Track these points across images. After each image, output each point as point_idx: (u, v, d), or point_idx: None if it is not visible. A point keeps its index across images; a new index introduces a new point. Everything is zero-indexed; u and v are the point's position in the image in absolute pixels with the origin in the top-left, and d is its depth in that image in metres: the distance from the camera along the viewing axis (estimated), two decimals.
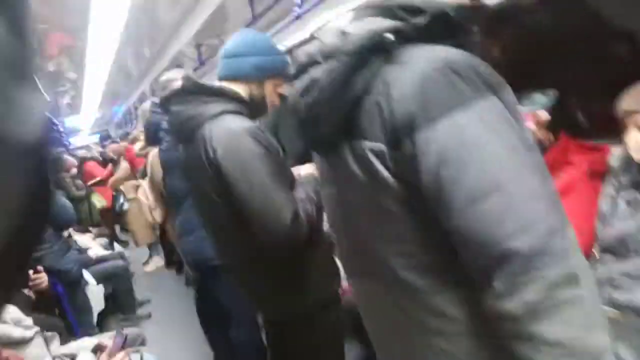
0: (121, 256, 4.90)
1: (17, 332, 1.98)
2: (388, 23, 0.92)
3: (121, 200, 5.98)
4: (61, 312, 2.88)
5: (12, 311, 2.10)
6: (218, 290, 2.64)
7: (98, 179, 7.19)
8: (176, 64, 5.42)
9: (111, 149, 6.90)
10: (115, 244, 6.65)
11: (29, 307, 2.37)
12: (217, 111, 1.61)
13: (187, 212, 2.53)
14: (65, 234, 3.25)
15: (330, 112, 0.93)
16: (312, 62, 0.95)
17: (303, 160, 1.78)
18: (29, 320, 2.12)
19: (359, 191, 0.96)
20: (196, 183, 1.75)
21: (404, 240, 0.92)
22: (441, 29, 0.91)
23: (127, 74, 6.44)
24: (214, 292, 2.69)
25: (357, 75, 0.89)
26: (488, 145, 0.79)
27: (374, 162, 0.88)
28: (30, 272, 2.60)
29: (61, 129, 8.62)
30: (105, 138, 9.24)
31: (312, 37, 3.34)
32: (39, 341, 2.11)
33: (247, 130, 1.55)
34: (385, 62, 0.89)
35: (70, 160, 7.43)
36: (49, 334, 2.23)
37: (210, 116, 1.60)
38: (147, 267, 6.34)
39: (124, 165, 5.96)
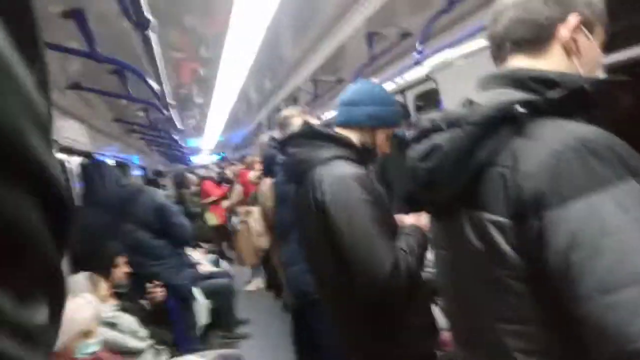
0: (227, 275, 5.16)
1: (132, 343, 2.15)
2: (519, 95, 0.89)
3: (234, 220, 6.31)
4: (171, 325, 3.08)
5: (131, 321, 2.29)
6: (315, 323, 2.66)
7: (213, 198, 7.69)
8: (293, 96, 5.68)
9: (232, 170, 7.36)
10: (222, 261, 7.01)
11: (145, 318, 2.57)
12: (328, 156, 1.66)
13: (293, 244, 2.59)
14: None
15: (451, 179, 0.91)
16: (435, 128, 0.95)
17: (409, 204, 1.76)
18: (143, 332, 2.30)
19: (475, 261, 0.93)
20: (303, 221, 1.81)
21: (524, 321, 0.87)
22: (575, 103, 0.87)
23: (248, 102, 6.84)
24: (311, 324, 2.71)
25: (483, 146, 0.87)
26: (626, 232, 0.72)
27: (494, 235, 0.86)
28: (150, 285, 2.84)
29: (184, 149, 9.39)
30: (223, 159, 9.92)
31: (427, 78, 3.32)
32: (150, 353, 2.27)
33: (355, 177, 1.58)
34: (514, 135, 0.86)
35: (192, 178, 8.07)
36: (160, 347, 2.38)
37: (322, 160, 1.66)
38: (249, 286, 6.59)
39: (238, 190, 6.31)
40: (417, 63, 2.67)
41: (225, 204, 6.84)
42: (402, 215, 1.89)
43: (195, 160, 14.00)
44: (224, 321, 4.73)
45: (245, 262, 6.29)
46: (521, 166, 0.82)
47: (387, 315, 1.65)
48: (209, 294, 4.34)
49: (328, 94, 4.92)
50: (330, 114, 5.38)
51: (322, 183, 1.60)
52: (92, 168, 3.09)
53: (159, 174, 8.96)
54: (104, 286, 2.32)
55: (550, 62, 0.95)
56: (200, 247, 6.15)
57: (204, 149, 13.71)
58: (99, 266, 2.51)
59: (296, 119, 2.72)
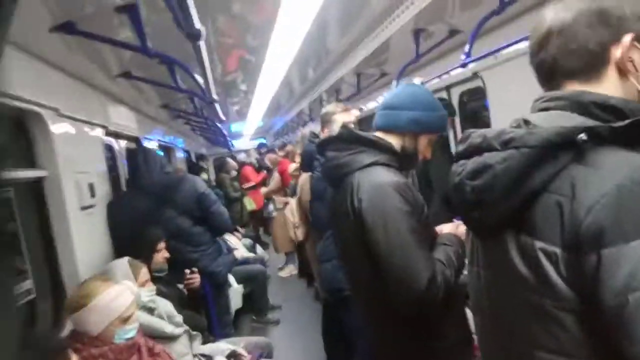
0: (262, 261, 5.25)
1: (169, 329, 2.22)
2: (580, 120, 0.85)
3: (270, 208, 6.38)
4: (205, 310, 3.17)
5: (168, 307, 2.37)
6: (347, 318, 2.67)
7: (252, 184, 7.80)
8: (335, 88, 5.66)
9: (269, 158, 7.43)
10: (258, 246, 7.13)
11: (181, 304, 2.66)
12: (367, 162, 1.62)
13: (328, 240, 2.60)
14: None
15: (501, 201, 0.88)
16: (488, 147, 0.91)
17: (448, 207, 1.71)
18: (179, 317, 2.36)
19: (519, 286, 0.89)
20: (339, 225, 1.78)
21: (567, 353, 0.84)
22: (639, 133, 0.82)
23: (291, 91, 6.87)
24: (342, 319, 2.73)
25: (539, 170, 0.83)
26: None
27: (544, 263, 0.82)
28: (188, 271, 2.92)
29: (226, 133, 9.53)
30: (262, 145, 10.00)
31: (474, 75, 3.22)
32: (184, 339, 2.34)
33: (394, 184, 1.54)
34: (573, 161, 0.82)
35: (232, 163, 8.20)
36: (194, 333, 2.46)
37: (360, 166, 1.62)
38: (282, 272, 6.69)
39: (276, 178, 6.36)
40: (464, 65, 2.59)
41: (263, 190, 6.92)
42: (441, 227, 1.84)
43: (237, 144, 14.19)
44: (257, 306, 4.83)
45: (279, 249, 6.39)
46: (580, 197, 0.78)
47: (422, 325, 1.62)
48: (243, 279, 4.43)
49: (371, 86, 4.87)
50: (372, 106, 5.33)
51: (360, 190, 1.57)
52: (138, 154, 3.17)
53: (201, 157, 9.13)
54: (144, 271, 2.40)
55: (607, 86, 0.90)
56: (238, 231, 6.25)
57: (246, 134, 13.88)
58: (142, 250, 2.59)
59: (339, 116, 2.71)
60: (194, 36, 1.55)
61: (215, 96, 3.08)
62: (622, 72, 0.89)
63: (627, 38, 0.88)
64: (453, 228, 1.74)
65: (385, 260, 1.50)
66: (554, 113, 0.90)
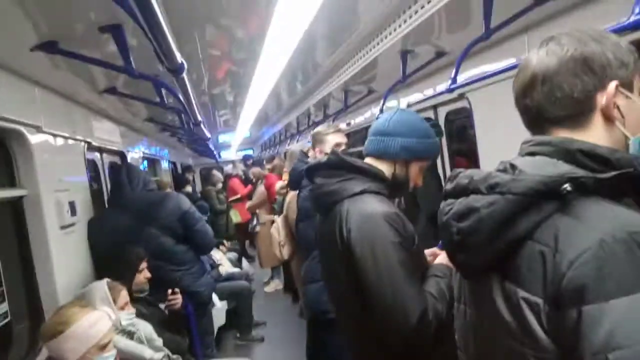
0: (247, 277, 5.20)
1: (147, 353, 2.17)
2: (566, 168, 0.84)
3: (255, 222, 6.34)
4: (187, 331, 3.11)
5: (148, 329, 2.32)
6: (330, 342, 2.65)
7: (238, 196, 7.75)
8: (323, 102, 5.67)
9: (253, 172, 7.40)
10: (243, 260, 7.06)
11: (162, 324, 2.61)
12: (357, 190, 1.59)
13: (314, 261, 2.58)
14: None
15: (486, 246, 0.87)
16: (473, 189, 0.90)
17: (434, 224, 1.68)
18: (159, 341, 2.32)
19: (502, 331, 0.89)
20: (326, 252, 1.75)
21: None
22: (626, 184, 0.82)
23: (279, 104, 6.87)
24: (325, 342, 2.70)
25: (523, 218, 0.83)
26: None
27: (526, 313, 0.82)
28: (170, 291, 2.87)
29: (213, 145, 9.48)
30: (249, 157, 9.96)
31: (460, 96, 3.25)
32: None
33: (384, 215, 1.50)
34: (557, 211, 0.81)
35: (218, 175, 8.15)
36: (174, 357, 2.41)
37: (350, 194, 1.59)
38: (267, 287, 6.63)
39: (260, 191, 6.31)
40: (451, 90, 2.61)
41: (248, 204, 6.86)
42: (432, 251, 1.81)
43: (225, 155, 14.12)
44: (241, 323, 4.77)
45: (264, 264, 6.34)
46: (563, 249, 0.78)
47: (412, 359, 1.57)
48: (227, 295, 4.38)
49: (358, 102, 4.89)
50: (359, 121, 5.34)
51: (349, 219, 1.53)
52: (121, 169, 3.13)
53: (188, 169, 9.07)
54: (124, 294, 2.35)
55: (594, 133, 0.89)
56: (223, 244, 6.19)
57: (233, 145, 13.84)
58: (123, 270, 2.54)
59: (331, 137, 2.70)
60: (176, 71, 1.53)
61: (200, 117, 3.05)
62: (609, 119, 0.89)
63: (612, 85, 0.88)
64: (444, 258, 1.68)
65: (375, 295, 1.46)
66: (539, 159, 0.90)
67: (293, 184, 3.11)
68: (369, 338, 1.61)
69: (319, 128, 2.81)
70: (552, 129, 0.93)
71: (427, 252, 1.76)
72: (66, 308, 1.87)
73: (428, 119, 3.29)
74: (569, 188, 0.80)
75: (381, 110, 3.81)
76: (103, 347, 1.77)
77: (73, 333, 1.71)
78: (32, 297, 2.26)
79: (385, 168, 1.68)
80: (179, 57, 1.47)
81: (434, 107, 3.70)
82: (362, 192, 1.59)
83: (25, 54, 1.99)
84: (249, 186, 7.77)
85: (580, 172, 0.83)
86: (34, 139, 2.27)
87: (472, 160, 3.41)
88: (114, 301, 2.26)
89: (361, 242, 1.49)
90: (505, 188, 0.85)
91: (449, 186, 1.00)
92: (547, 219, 0.81)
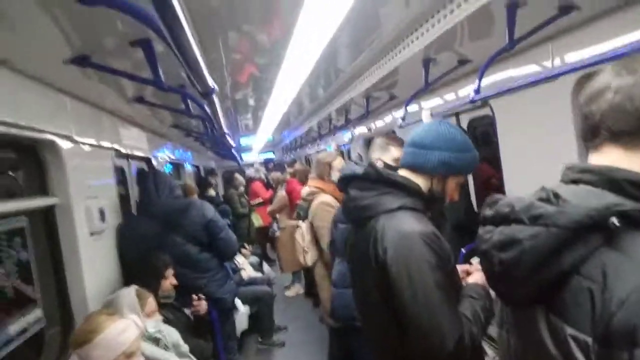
0: (268, 281, 5.24)
1: None
2: (612, 199, 0.81)
3: (274, 227, 6.38)
4: (211, 336, 3.16)
5: (174, 335, 2.37)
6: (355, 349, 2.65)
7: (260, 200, 7.82)
8: (345, 108, 5.70)
9: (273, 177, 7.45)
10: (264, 264, 7.11)
11: (188, 330, 2.66)
12: (394, 206, 1.55)
13: (346, 269, 2.56)
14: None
15: (529, 278, 0.85)
16: (515, 219, 0.88)
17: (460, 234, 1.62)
18: (185, 347, 2.37)
19: None
20: (357, 266, 1.72)
21: None
22: None
23: (301, 108, 6.91)
24: (351, 348, 2.70)
25: (568, 251, 0.80)
26: None
27: (574, 351, 0.79)
28: (194, 297, 2.93)
29: (235, 148, 9.58)
30: (270, 161, 10.02)
31: (483, 104, 3.23)
32: None
33: (421, 234, 1.46)
34: (605, 245, 0.79)
35: (240, 178, 8.23)
36: None
37: (386, 209, 1.55)
38: (289, 291, 6.67)
39: (281, 195, 6.35)
40: (474, 101, 2.60)
41: (269, 208, 6.90)
42: (465, 268, 1.78)
43: (246, 157, 14.23)
44: (262, 328, 4.81)
45: (285, 269, 6.37)
46: (612, 287, 0.75)
47: None
48: (249, 300, 4.43)
49: (380, 108, 4.90)
50: (380, 125, 5.34)
51: (385, 238, 1.49)
52: (148, 176, 3.20)
53: (211, 172, 9.18)
54: (151, 301, 2.41)
55: None
56: (245, 248, 6.24)
57: (255, 148, 13.94)
58: (149, 277, 2.60)
59: (395, 150, 2.62)
60: (207, 94, 1.56)
61: (225, 128, 3.10)
62: None
63: None
64: (479, 277, 1.64)
65: (410, 316, 1.43)
66: (583, 189, 0.87)
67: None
68: (400, 358, 1.58)
69: (384, 137, 2.75)
70: (607, 142, 0.89)
71: (459, 268, 1.72)
72: (95, 316, 1.93)
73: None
74: (617, 222, 0.77)
75: (403, 118, 3.81)
76: (130, 355, 1.82)
77: (101, 341, 1.77)
78: (63, 302, 2.33)
79: (421, 182, 1.63)
80: (210, 82, 1.51)
81: (456, 115, 3.69)
82: (399, 209, 1.55)
83: (59, 67, 2.06)
84: (271, 190, 7.83)
85: (628, 204, 0.80)
86: (65, 147, 2.34)
87: (494, 166, 3.39)
88: (142, 308, 2.32)
89: (397, 262, 1.46)
90: (550, 220, 0.83)
91: (487, 212, 0.98)
92: (593, 252, 0.79)
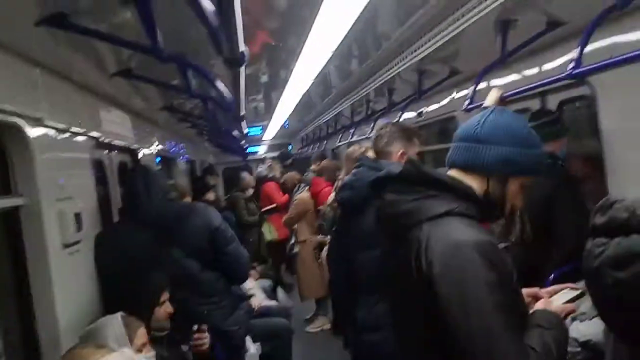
0: (286, 313, 5.24)
1: None
2: None
3: (292, 241, 6.38)
4: None
5: None
6: None
7: (273, 205, 7.80)
8: (388, 87, 5.69)
9: (287, 177, 7.42)
10: (279, 289, 7.13)
11: None
12: (440, 211, 1.58)
13: (379, 304, 2.55)
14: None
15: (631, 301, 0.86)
16: (638, 227, 0.90)
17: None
18: None
19: None
20: (397, 290, 1.75)
21: None
22: None
23: (327, 87, 6.94)
24: None
25: None
26: None
27: None
28: (195, 328, 2.94)
29: (243, 140, 9.64)
30: (286, 156, 10.01)
31: (579, 81, 3.17)
32: None
33: (476, 245, 1.49)
34: None
35: (248, 179, 8.23)
36: None
37: (431, 216, 1.59)
38: (311, 326, 6.66)
39: (301, 198, 6.32)
40: (575, 76, 2.54)
41: (285, 217, 6.84)
42: (533, 292, 1.80)
43: (255, 151, 14.33)
44: None
45: (305, 295, 6.37)
46: None
47: None
48: (261, 336, 4.43)
49: (435, 88, 4.86)
50: (433, 108, 5.30)
51: (430, 250, 1.53)
52: (136, 173, 3.23)
53: (209, 170, 9.21)
54: (142, 332, 2.42)
55: None
56: (253, 268, 6.24)
57: (265, 139, 14.03)
58: (140, 303, 2.62)
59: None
60: (236, 62, 1.56)
61: (242, 110, 3.12)
62: None
63: None
64: (551, 302, 1.68)
65: (462, 346, 1.46)
66: None
67: (354, 199, 3.02)
68: None
69: (379, 127, 2.81)
70: None
71: (525, 292, 1.74)
72: (80, 348, 1.95)
73: (545, 113, 3.26)
74: None
75: (471, 99, 3.77)
76: None
77: None
78: (28, 332, 2.36)
79: (475, 184, 1.67)
80: (241, 45, 1.50)
81: (542, 95, 3.63)
82: (446, 214, 1.58)
83: (28, 30, 2.09)
84: (287, 195, 7.79)
85: None
86: (34, 134, 2.37)
87: (593, 164, 3.31)
88: (130, 341, 2.33)
89: (446, 281, 1.49)
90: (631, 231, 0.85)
91: (599, 220, 0.99)
92: None
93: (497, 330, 1.43)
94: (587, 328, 2.15)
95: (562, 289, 1.77)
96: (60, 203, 2.55)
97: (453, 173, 1.70)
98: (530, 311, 1.67)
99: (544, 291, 1.80)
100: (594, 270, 0.95)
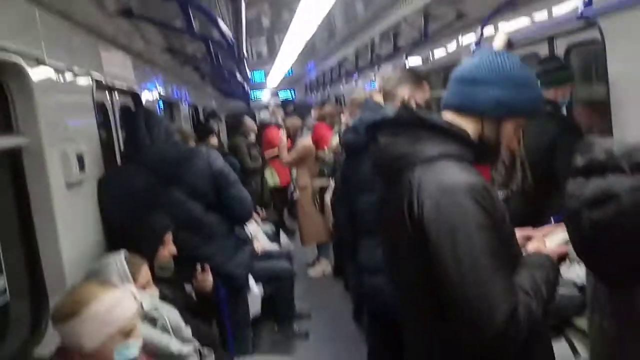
0: (288, 256, 5.30)
1: (175, 346, 2.28)
2: None
3: (293, 186, 6.38)
4: (218, 321, 3.24)
5: (174, 316, 2.43)
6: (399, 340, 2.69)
7: (277, 151, 7.79)
8: (393, 31, 5.60)
9: (289, 124, 7.38)
10: (282, 233, 7.19)
11: (187, 312, 2.71)
12: (433, 153, 1.58)
13: (376, 250, 2.58)
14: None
15: (628, 246, 0.87)
16: (613, 167, 0.88)
17: None
18: (187, 331, 2.43)
19: None
20: (389, 233, 1.76)
21: None
22: None
23: (332, 31, 6.83)
24: (393, 340, 2.74)
25: None
26: None
27: None
28: (198, 268, 2.97)
29: (246, 85, 9.56)
30: (288, 102, 9.94)
31: (588, 24, 3.11)
32: (193, 358, 2.41)
33: (468, 187, 1.49)
34: None
35: (251, 123, 8.20)
36: (205, 349, 2.53)
37: (424, 158, 1.58)
38: (312, 270, 6.75)
39: (303, 143, 6.29)
40: (585, 17, 2.49)
41: (283, 157, 6.67)
42: (526, 232, 1.82)
43: (259, 97, 14.22)
44: (280, 313, 4.90)
45: (307, 240, 6.43)
46: None
47: None
48: (264, 279, 4.49)
49: (441, 32, 4.78)
50: (440, 55, 5.23)
51: (422, 192, 1.53)
52: (137, 116, 3.21)
53: (212, 115, 9.15)
54: (145, 270, 2.45)
55: None
56: (256, 212, 6.26)
57: (269, 85, 13.92)
58: (144, 243, 2.64)
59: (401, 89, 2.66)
60: None
61: (245, 51, 3.08)
62: None
63: None
64: (543, 244, 1.68)
65: (453, 288, 1.47)
66: None
67: (357, 142, 3.05)
68: (442, 340, 1.64)
69: (385, 75, 2.78)
70: None
71: (519, 234, 1.76)
72: (83, 285, 1.98)
73: (552, 59, 3.21)
74: None
75: (477, 43, 3.71)
76: (128, 334, 1.85)
77: (92, 314, 1.79)
78: (33, 271, 2.39)
79: (470, 126, 1.66)
80: None
81: (549, 40, 3.56)
82: (440, 157, 1.57)
83: None
84: (290, 140, 7.76)
85: None
86: (35, 73, 2.35)
87: (599, 112, 3.29)
88: (134, 279, 2.37)
89: (438, 223, 1.49)
90: None
91: (579, 161, 0.99)
92: None
93: (487, 273, 1.44)
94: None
95: (556, 230, 1.78)
96: (62, 144, 2.55)
97: (448, 116, 1.69)
98: (524, 253, 1.68)
99: (537, 232, 1.81)
100: (573, 211, 0.95)
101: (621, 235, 0.87)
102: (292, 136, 7.16)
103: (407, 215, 1.56)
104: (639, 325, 0.89)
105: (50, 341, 2.00)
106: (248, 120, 8.24)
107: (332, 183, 3.63)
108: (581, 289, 2.29)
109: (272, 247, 5.47)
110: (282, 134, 6.63)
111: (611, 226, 0.87)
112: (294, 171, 6.79)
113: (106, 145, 3.52)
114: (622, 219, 0.85)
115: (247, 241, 3.71)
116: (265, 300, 4.64)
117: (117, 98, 3.97)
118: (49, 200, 2.40)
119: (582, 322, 2.44)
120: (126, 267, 2.39)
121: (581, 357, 2.47)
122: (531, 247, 1.70)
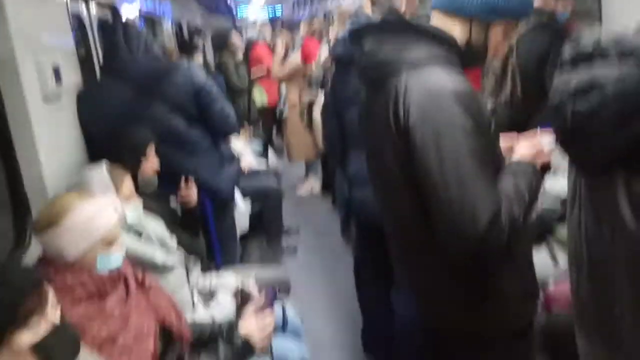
0: (275, 174, 5.32)
1: (160, 257, 2.30)
2: None
3: (282, 104, 6.32)
4: (205, 235, 3.26)
5: (158, 227, 2.45)
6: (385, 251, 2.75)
7: (265, 70, 7.65)
8: None
9: (283, 39, 7.22)
10: (270, 151, 7.18)
11: (173, 225, 2.72)
12: (420, 57, 1.56)
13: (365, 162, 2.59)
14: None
15: (611, 136, 0.86)
16: (601, 54, 0.86)
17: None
18: (172, 241, 2.45)
19: (624, 241, 0.90)
20: (374, 140, 1.76)
21: None
22: None
23: None
24: (379, 252, 2.79)
25: None
26: None
27: None
28: (182, 182, 2.97)
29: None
30: (275, 19, 9.72)
31: None
32: (179, 267, 2.44)
33: (454, 92, 1.48)
34: None
35: (237, 40, 8.01)
36: (191, 257, 2.58)
37: (410, 63, 1.56)
38: (301, 188, 6.80)
39: (293, 59, 6.19)
40: None
41: (274, 71, 6.62)
42: (510, 136, 1.82)
43: (245, 13, 13.87)
44: (270, 230, 4.97)
45: (295, 157, 6.44)
46: None
47: (476, 278, 1.64)
48: (251, 195, 4.52)
49: None
50: None
51: (408, 97, 1.52)
52: (116, 29, 3.11)
53: (196, 32, 8.92)
54: (128, 181, 2.44)
55: None
56: (244, 128, 6.20)
57: (255, 1, 13.54)
58: (125, 156, 2.61)
59: None
60: None
61: None
62: None
63: None
64: (527, 153, 1.69)
65: (436, 193, 1.48)
66: None
67: (346, 54, 2.99)
68: (426, 248, 1.67)
69: None
70: None
71: (503, 139, 1.78)
72: (63, 195, 1.96)
73: None
74: None
75: None
76: (110, 242, 1.86)
77: (72, 223, 1.79)
78: (13, 186, 2.38)
79: (457, 29, 1.63)
80: None
81: None
82: (426, 61, 1.55)
83: None
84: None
85: None
86: None
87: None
88: (117, 190, 2.36)
89: (423, 127, 1.49)
90: None
91: (567, 53, 0.97)
92: None
93: (470, 176, 1.45)
94: None
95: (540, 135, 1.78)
96: (36, 56, 2.48)
97: (435, 21, 1.66)
98: (507, 160, 1.69)
99: (522, 137, 1.81)
100: (558, 103, 0.94)
101: (601, 124, 0.86)
102: (285, 52, 7.03)
103: (392, 122, 1.56)
104: (615, 218, 0.90)
105: (34, 254, 2.01)
106: (235, 36, 8.02)
107: (321, 97, 3.56)
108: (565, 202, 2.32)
109: (260, 165, 5.48)
110: (279, 45, 6.49)
111: (592, 116, 0.85)
112: (284, 88, 6.71)
113: (84, 60, 3.44)
114: (605, 108, 0.84)
115: (234, 158, 3.70)
116: (254, 217, 4.69)
117: (95, 11, 3.85)
118: (26, 114, 2.36)
119: (563, 232, 2.49)
120: (108, 177, 2.37)
121: (560, 264, 2.55)
122: (516, 153, 1.70)
